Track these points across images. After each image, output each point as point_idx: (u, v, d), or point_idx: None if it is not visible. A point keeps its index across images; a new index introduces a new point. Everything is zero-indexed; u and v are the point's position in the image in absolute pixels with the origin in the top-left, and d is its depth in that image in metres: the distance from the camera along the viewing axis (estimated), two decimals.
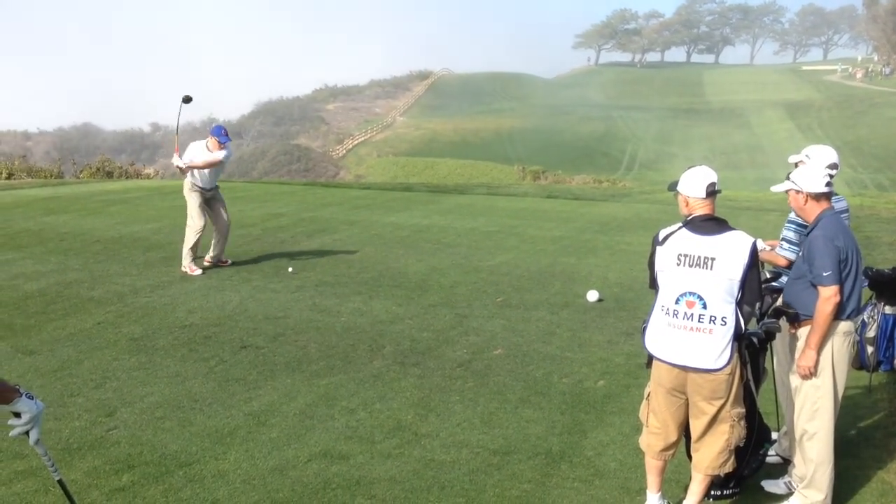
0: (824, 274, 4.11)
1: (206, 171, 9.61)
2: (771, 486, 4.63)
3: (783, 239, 5.08)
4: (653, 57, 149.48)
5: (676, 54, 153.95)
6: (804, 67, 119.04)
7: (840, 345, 4.24)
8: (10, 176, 21.95)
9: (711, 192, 3.96)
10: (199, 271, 9.51)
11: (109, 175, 23.81)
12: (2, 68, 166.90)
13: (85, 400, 5.67)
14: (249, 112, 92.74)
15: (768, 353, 4.46)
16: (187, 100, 10.09)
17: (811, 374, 4.23)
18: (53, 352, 6.67)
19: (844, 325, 4.26)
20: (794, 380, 4.35)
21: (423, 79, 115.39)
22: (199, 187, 9.67)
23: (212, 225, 9.85)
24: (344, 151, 75.85)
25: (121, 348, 6.79)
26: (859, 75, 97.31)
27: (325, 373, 6.28)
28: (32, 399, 3.02)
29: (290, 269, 9.68)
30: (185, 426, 5.26)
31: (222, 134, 9.61)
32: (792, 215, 4.93)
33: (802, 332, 4.33)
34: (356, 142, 78.93)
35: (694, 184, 4.00)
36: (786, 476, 4.67)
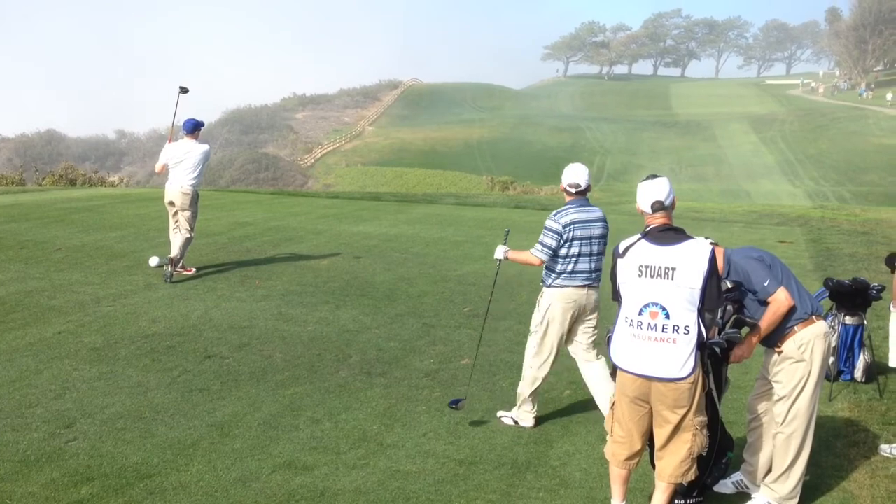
0: (765, 284, 4.28)
1: (172, 169, 9.57)
2: (719, 486, 4.68)
3: None
4: (620, 69, 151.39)
5: (643, 67, 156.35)
6: (768, 81, 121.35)
7: (821, 348, 4.35)
8: None
9: (658, 209, 4.00)
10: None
11: (73, 182, 23.45)
12: None
13: (44, 411, 5.55)
14: (217, 120, 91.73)
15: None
16: (184, 90, 10.03)
17: (737, 362, 4.40)
18: (12, 361, 6.53)
19: (821, 327, 4.39)
20: (779, 388, 4.41)
21: (392, 88, 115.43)
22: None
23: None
24: (312, 160, 75.55)
25: (81, 358, 6.67)
26: (821, 90, 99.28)
27: (291, 383, 6.22)
28: None
29: (257, 282, 9.57)
30: (147, 437, 5.18)
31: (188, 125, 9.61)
32: None
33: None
34: (325, 151, 78.69)
35: (641, 198, 4.08)
36: (735, 475, 4.71)
